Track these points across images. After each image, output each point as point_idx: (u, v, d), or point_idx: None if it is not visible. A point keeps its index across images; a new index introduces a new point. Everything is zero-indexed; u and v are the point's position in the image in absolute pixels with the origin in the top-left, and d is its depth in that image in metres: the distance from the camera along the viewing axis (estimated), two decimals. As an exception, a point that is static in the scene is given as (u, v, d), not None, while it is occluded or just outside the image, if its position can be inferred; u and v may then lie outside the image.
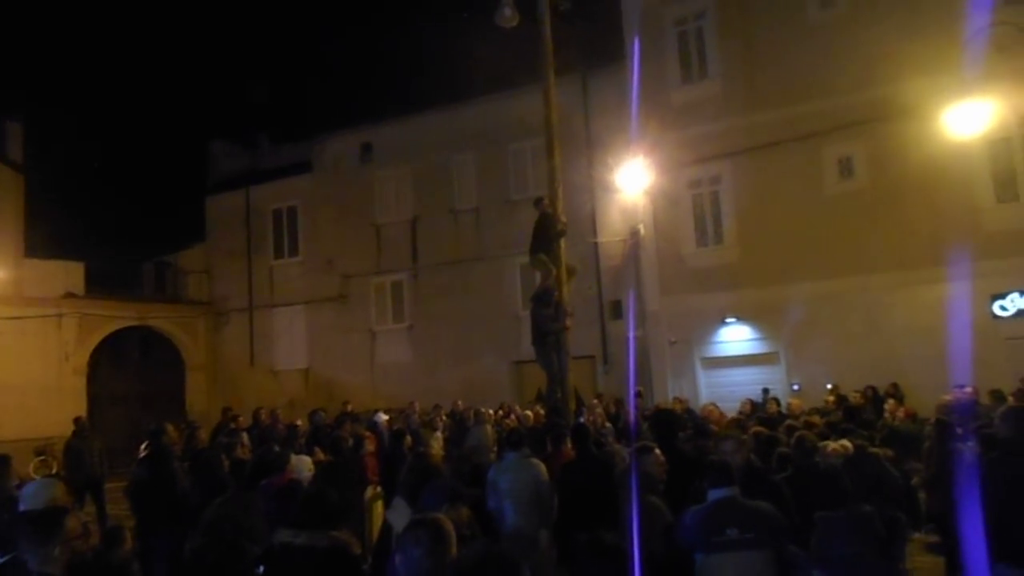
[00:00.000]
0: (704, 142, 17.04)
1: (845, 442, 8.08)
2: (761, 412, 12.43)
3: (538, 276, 11.15)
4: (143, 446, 8.89)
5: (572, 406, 10.55)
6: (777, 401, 13.38)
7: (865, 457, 7.45)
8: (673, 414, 8.48)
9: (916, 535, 8.36)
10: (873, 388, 13.37)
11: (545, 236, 10.56)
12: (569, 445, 7.59)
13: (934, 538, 8.05)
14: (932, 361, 13.07)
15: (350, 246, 23.02)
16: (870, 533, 3.82)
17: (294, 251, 24.44)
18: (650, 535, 4.51)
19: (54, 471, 11.33)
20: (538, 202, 10.94)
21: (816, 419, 10.74)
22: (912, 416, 11.34)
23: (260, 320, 24.67)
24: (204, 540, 4.90)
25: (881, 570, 3.65)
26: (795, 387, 15.69)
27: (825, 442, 7.87)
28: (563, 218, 10.72)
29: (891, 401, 12.54)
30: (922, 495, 8.59)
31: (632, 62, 17.64)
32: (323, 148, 24.16)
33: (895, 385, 13.49)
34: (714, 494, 4.63)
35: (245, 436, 11.33)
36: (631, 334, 17.26)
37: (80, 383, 21.58)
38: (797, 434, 6.58)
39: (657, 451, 5.72)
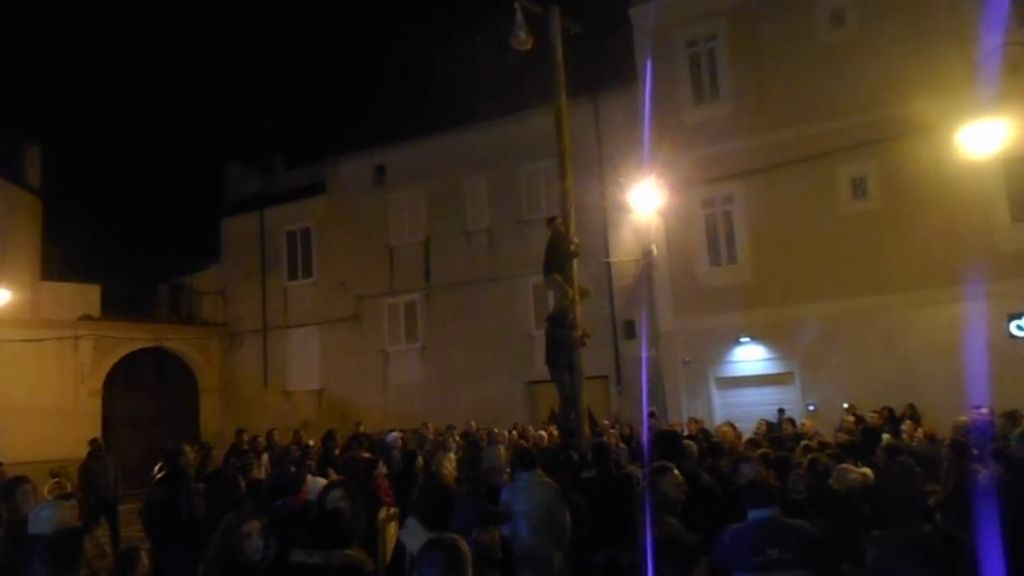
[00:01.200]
0: (716, 162, 17.06)
1: (867, 470, 7.98)
2: (776, 432, 12.33)
3: (551, 297, 11.14)
4: (158, 467, 8.91)
5: (586, 426, 10.51)
6: (793, 422, 13.29)
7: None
8: (675, 436, 8.42)
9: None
10: (890, 409, 13.24)
11: (558, 256, 10.56)
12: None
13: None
14: (948, 381, 12.96)
15: (363, 267, 23.12)
16: (933, 556, 3.64)
17: (308, 272, 24.57)
18: (669, 557, 4.47)
19: (67, 492, 11.35)
20: (551, 221, 10.95)
21: (829, 439, 10.64)
22: (930, 437, 11.21)
23: (274, 341, 24.77)
24: (211, 561, 4.89)
25: None
26: (810, 407, 15.59)
27: (843, 465, 7.75)
28: (576, 239, 10.73)
29: (908, 422, 12.40)
30: (938, 516, 8.49)
31: (644, 83, 17.72)
32: (337, 170, 24.34)
33: (911, 406, 13.36)
34: (755, 514, 4.60)
35: (265, 457, 11.35)
36: (644, 354, 17.21)
37: (96, 405, 21.71)
38: (810, 456, 6.53)
39: (675, 471, 5.67)
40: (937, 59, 14.74)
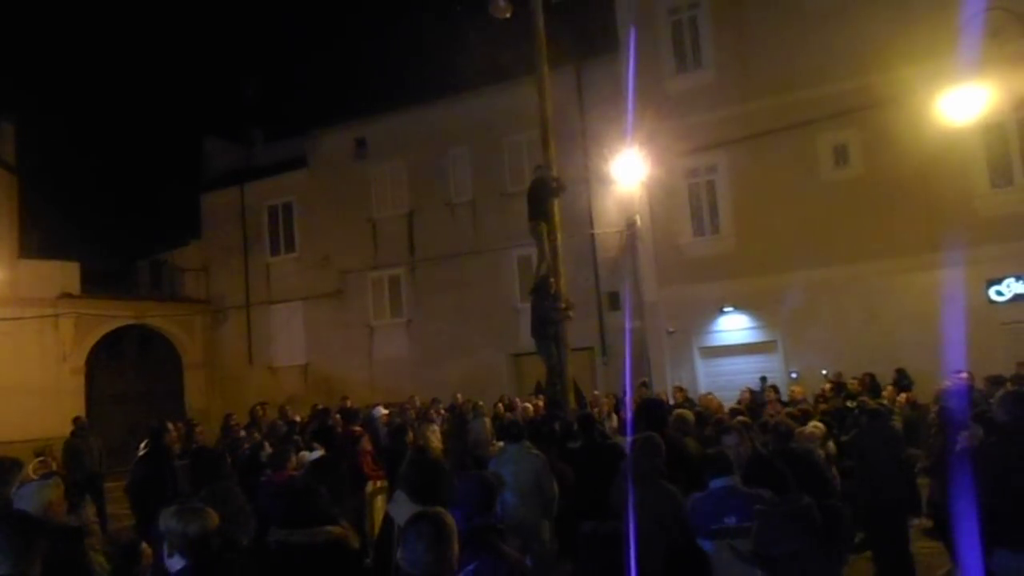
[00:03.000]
0: (700, 131, 17.02)
1: (817, 423, 8.08)
2: (760, 400, 12.45)
3: (535, 263, 11.12)
4: (143, 444, 8.90)
5: (571, 398, 10.57)
6: (776, 389, 13.39)
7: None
8: (659, 404, 8.47)
9: (915, 521, 8.41)
10: (871, 375, 13.37)
11: (541, 200, 10.53)
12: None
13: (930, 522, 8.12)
14: (930, 348, 13.07)
15: (346, 241, 22.99)
16: (812, 527, 3.64)
17: (290, 247, 24.41)
18: (666, 520, 4.54)
19: (51, 471, 11.32)
20: (538, 168, 10.92)
21: (809, 407, 10.75)
22: (912, 403, 11.35)
23: (258, 317, 24.65)
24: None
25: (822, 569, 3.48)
26: (793, 375, 15.72)
27: (801, 427, 7.80)
28: (555, 175, 10.70)
29: (889, 388, 12.55)
30: (923, 481, 8.65)
31: (627, 52, 17.62)
32: (317, 144, 24.10)
33: (901, 371, 13.45)
34: (714, 483, 4.72)
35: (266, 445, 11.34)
36: (627, 325, 17.28)
37: (78, 383, 21.56)
38: (774, 420, 6.62)
39: (660, 441, 5.72)
40: (918, 25, 14.71)
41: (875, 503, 7.10)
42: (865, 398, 10.26)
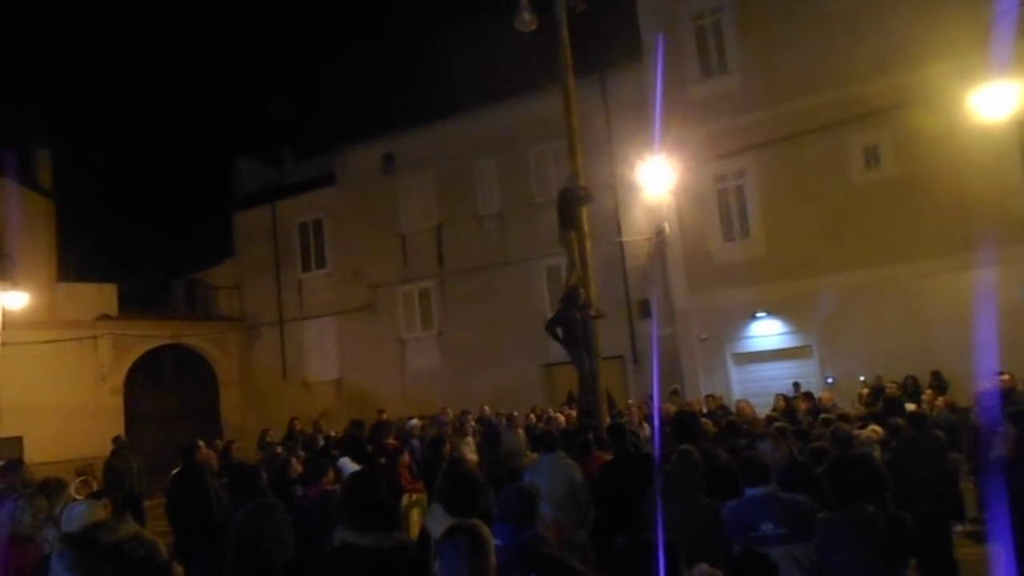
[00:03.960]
0: (727, 136, 16.92)
1: (876, 427, 7.97)
2: (791, 406, 12.29)
3: (564, 272, 11.10)
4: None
5: (604, 407, 10.51)
6: (811, 395, 13.21)
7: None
8: (692, 416, 8.39)
9: (959, 527, 8.24)
10: (913, 378, 13.10)
11: (570, 210, 10.51)
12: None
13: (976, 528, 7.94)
14: (966, 349, 12.83)
15: (377, 256, 23.15)
16: (878, 537, 3.55)
17: (321, 263, 24.65)
18: (701, 534, 4.50)
19: (94, 490, 11.49)
20: (569, 179, 10.90)
21: (849, 411, 10.59)
22: (951, 406, 11.14)
23: (291, 333, 24.90)
24: (234, 551, 4.94)
25: None
26: (829, 380, 15.52)
27: (858, 431, 7.74)
28: (583, 183, 10.68)
29: (928, 391, 12.32)
30: (966, 486, 8.47)
31: (652, 59, 17.58)
32: (346, 160, 24.34)
33: (936, 374, 13.21)
34: (751, 491, 4.66)
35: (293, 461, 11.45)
36: (655, 333, 17.18)
37: (117, 403, 21.91)
38: (833, 426, 6.51)
39: (696, 453, 5.67)
40: (948, 22, 14.51)
41: (918, 510, 6.97)
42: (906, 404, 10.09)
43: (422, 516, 7.52)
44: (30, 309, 19.16)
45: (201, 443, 8.72)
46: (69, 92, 43.49)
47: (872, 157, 15.81)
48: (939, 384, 12.80)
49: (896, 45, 15.10)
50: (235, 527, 5.30)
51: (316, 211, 24.81)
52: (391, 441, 11.02)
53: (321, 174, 25.17)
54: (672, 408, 11.97)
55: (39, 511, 5.00)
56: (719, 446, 7.22)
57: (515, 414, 13.24)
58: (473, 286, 21.38)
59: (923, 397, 11.79)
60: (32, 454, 16.04)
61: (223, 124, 45.99)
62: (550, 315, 11.05)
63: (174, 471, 8.62)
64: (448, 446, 9.87)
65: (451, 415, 14.44)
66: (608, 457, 7.18)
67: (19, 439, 18.49)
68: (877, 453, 7.13)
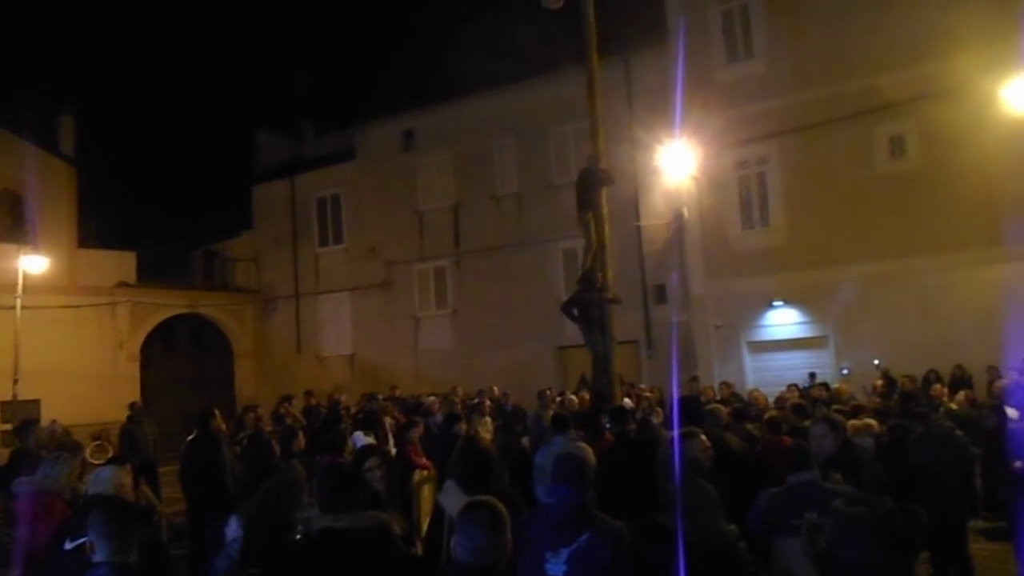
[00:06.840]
0: (750, 122, 16.74)
1: (869, 420, 7.89)
2: (805, 396, 12.20)
3: (581, 254, 11.02)
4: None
5: (617, 391, 10.49)
6: (827, 386, 13.11)
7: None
8: (696, 400, 8.36)
9: (973, 522, 8.18)
10: (936, 372, 12.97)
11: (590, 191, 10.43)
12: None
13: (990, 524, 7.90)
14: (987, 344, 12.72)
15: (393, 233, 23.16)
16: (890, 531, 3.47)
17: (339, 239, 24.70)
18: (703, 519, 4.46)
19: (110, 455, 11.63)
20: (590, 159, 10.80)
21: (867, 402, 10.51)
22: (972, 401, 11.02)
23: (306, 307, 25.02)
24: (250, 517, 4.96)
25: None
26: (844, 371, 15.42)
27: (851, 421, 7.60)
28: (604, 166, 10.59)
29: (937, 386, 12.10)
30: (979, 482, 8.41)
31: (676, 42, 17.34)
32: (365, 136, 24.30)
33: (960, 367, 13.05)
34: (795, 478, 4.64)
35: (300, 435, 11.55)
36: (674, 319, 17.09)
37: (134, 369, 22.14)
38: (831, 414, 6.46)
39: (703, 437, 5.64)
40: (979, 11, 14.22)
41: (932, 504, 6.92)
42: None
43: (432, 493, 7.55)
44: (50, 274, 19.35)
45: (217, 412, 8.78)
46: (94, 60, 43.62)
47: (897, 148, 15.61)
48: (962, 378, 12.65)
49: (924, 35, 14.84)
50: (258, 496, 5.33)
51: (334, 186, 24.84)
52: (398, 415, 11.07)
53: (340, 149, 25.17)
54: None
55: (73, 471, 5.37)
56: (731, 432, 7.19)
57: (548, 392, 12.95)
58: (489, 266, 21.36)
59: (931, 391, 11.63)
60: (49, 417, 16.22)
61: (245, 97, 46.06)
62: (565, 298, 10.99)
63: (189, 438, 8.69)
64: (464, 424, 9.88)
65: (461, 394, 14.45)
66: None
67: (37, 402, 18.71)
68: (871, 445, 7.04)
